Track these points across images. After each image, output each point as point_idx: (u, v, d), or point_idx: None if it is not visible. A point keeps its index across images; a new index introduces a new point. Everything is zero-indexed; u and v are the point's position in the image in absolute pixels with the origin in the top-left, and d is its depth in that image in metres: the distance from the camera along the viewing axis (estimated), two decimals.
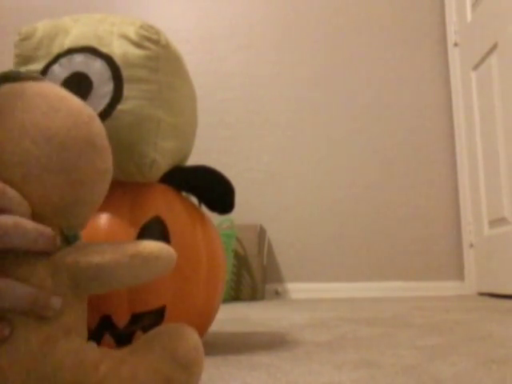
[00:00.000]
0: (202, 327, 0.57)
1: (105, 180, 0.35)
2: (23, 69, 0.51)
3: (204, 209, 1.84)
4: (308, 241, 2.12)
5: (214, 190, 0.59)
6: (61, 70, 0.50)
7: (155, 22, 2.40)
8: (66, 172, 0.32)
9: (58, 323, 0.30)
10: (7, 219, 0.28)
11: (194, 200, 1.95)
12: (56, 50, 0.51)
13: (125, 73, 0.50)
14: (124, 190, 0.53)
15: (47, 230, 0.30)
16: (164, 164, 0.54)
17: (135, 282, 0.32)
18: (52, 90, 0.33)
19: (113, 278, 0.31)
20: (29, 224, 0.29)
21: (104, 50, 0.51)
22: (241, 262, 1.95)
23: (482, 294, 1.90)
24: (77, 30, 0.52)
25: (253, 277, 1.94)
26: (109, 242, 0.33)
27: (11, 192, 0.30)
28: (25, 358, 0.28)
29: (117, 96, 0.50)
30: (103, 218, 0.49)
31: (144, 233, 0.49)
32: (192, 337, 0.33)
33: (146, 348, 0.32)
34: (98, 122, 0.35)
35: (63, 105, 0.33)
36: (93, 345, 0.32)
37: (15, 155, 0.30)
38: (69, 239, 0.32)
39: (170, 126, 0.54)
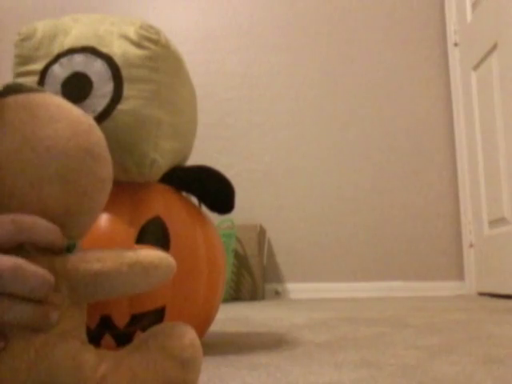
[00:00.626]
0: (201, 327, 0.57)
1: (104, 189, 0.35)
2: (23, 68, 0.51)
3: (204, 209, 1.84)
4: (308, 241, 2.12)
5: (214, 190, 0.59)
6: (61, 70, 0.50)
7: (155, 21, 2.40)
8: (66, 181, 0.32)
9: (55, 330, 0.30)
10: (6, 261, 0.26)
11: (194, 200, 1.95)
12: (56, 50, 0.51)
13: (125, 73, 0.50)
14: (124, 190, 0.53)
15: (47, 276, 0.28)
16: (164, 164, 0.54)
17: (134, 290, 0.33)
18: (52, 101, 0.34)
19: (111, 286, 0.32)
20: (30, 269, 0.27)
21: (104, 50, 0.51)
22: (241, 262, 1.95)
23: (481, 294, 1.90)
24: (77, 30, 0.52)
25: (253, 277, 1.94)
26: (108, 249, 0.33)
27: (42, 224, 0.29)
28: (22, 367, 0.28)
29: (117, 96, 0.50)
30: (103, 218, 0.49)
31: (144, 233, 0.49)
32: (188, 334, 0.33)
33: (143, 347, 0.32)
34: (97, 131, 0.35)
35: (63, 115, 0.33)
36: (90, 347, 0.32)
37: (16, 164, 0.30)
38: (68, 248, 0.32)
39: (170, 126, 0.54)
